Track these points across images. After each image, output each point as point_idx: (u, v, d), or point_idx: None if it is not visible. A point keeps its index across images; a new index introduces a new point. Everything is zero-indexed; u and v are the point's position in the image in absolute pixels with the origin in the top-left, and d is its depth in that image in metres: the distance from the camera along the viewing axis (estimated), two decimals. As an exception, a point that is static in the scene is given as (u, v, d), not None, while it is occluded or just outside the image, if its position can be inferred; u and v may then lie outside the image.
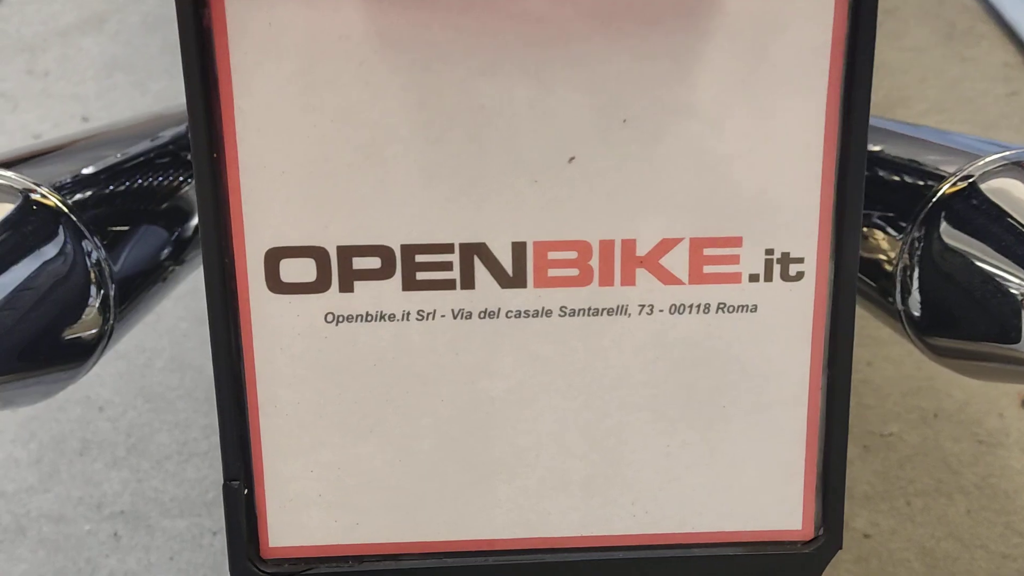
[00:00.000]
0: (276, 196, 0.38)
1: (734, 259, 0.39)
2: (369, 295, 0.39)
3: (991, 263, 0.50)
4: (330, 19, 0.36)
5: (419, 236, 0.39)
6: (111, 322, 0.51)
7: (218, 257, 0.39)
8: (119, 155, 0.61)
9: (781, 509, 0.42)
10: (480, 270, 0.39)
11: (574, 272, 0.39)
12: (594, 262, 0.38)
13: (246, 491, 0.40)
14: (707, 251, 0.38)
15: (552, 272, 0.39)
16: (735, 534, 0.42)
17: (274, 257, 0.39)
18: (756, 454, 0.41)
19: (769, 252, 0.39)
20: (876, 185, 0.59)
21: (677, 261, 0.39)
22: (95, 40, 1.73)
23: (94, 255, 0.51)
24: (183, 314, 1.23)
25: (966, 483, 1.06)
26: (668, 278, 0.39)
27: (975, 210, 0.52)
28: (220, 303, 0.39)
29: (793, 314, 0.40)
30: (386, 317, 0.39)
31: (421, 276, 0.39)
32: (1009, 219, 0.50)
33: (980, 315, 0.50)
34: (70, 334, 0.49)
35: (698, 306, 0.40)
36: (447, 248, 0.38)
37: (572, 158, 0.37)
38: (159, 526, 1.00)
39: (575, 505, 0.41)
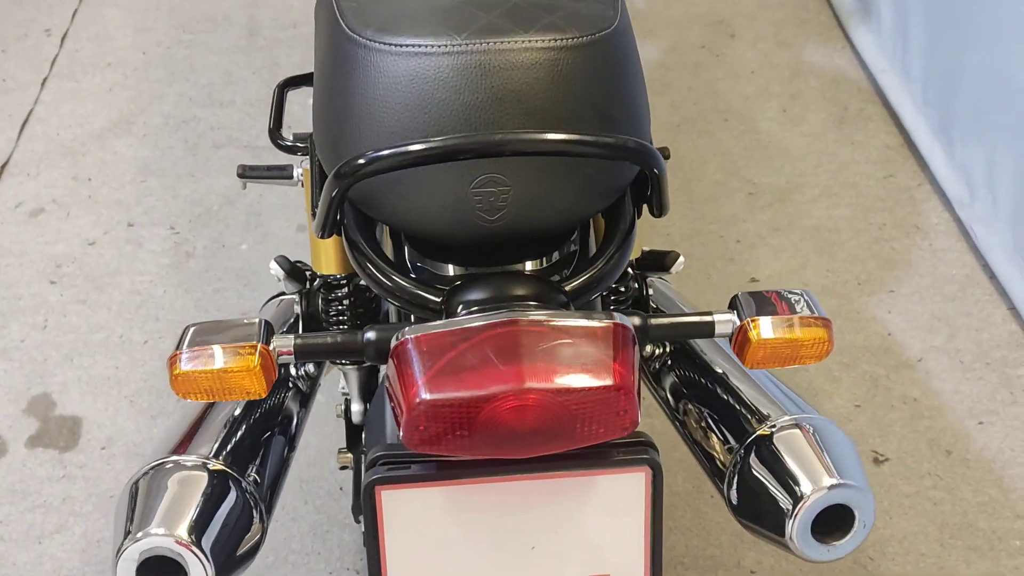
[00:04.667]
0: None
1: None
2: None
3: (774, 487, 0.86)
4: (427, 507, 0.71)
5: None
6: (265, 529, 0.86)
7: None
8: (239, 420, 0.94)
9: None
10: None
11: None
12: None
13: None
14: None
15: None
16: None
17: None
18: None
19: None
20: (728, 415, 0.95)
21: None
22: (126, 143, 2.02)
23: (249, 490, 0.85)
24: (232, 406, 1.57)
25: (826, 526, 1.45)
26: None
27: (769, 450, 0.88)
28: None
29: None
30: None
31: None
32: (783, 462, 0.87)
33: (767, 515, 0.87)
34: (250, 540, 0.83)
35: None
36: None
37: (533, 547, 0.72)
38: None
39: None
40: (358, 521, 1.17)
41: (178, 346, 0.68)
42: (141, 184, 1.93)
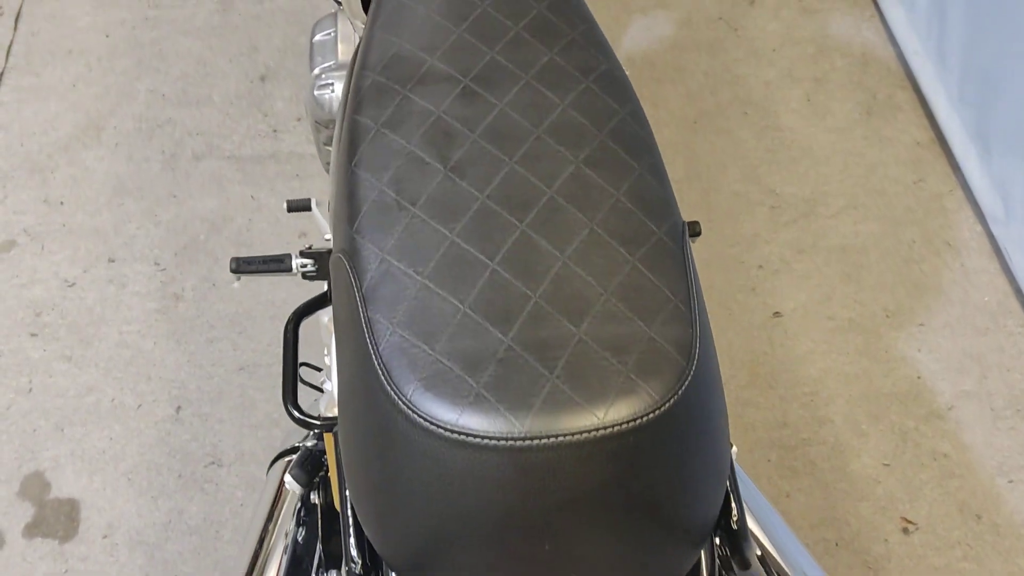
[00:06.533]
0: None
1: None
2: None
3: None
4: None
5: None
6: None
7: None
8: None
9: None
10: None
11: None
12: None
13: None
14: None
15: None
16: None
17: None
18: None
19: None
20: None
21: None
22: (97, 155, 1.86)
23: None
24: (236, 482, 1.50)
25: (854, 608, 1.42)
26: None
27: None
28: None
29: None
30: None
31: None
32: None
33: None
34: None
35: None
36: None
37: None
38: None
39: None
40: None
41: None
42: (118, 208, 1.79)
